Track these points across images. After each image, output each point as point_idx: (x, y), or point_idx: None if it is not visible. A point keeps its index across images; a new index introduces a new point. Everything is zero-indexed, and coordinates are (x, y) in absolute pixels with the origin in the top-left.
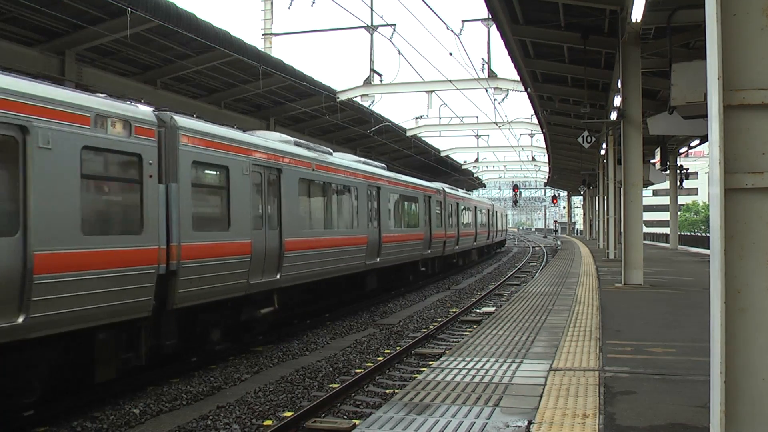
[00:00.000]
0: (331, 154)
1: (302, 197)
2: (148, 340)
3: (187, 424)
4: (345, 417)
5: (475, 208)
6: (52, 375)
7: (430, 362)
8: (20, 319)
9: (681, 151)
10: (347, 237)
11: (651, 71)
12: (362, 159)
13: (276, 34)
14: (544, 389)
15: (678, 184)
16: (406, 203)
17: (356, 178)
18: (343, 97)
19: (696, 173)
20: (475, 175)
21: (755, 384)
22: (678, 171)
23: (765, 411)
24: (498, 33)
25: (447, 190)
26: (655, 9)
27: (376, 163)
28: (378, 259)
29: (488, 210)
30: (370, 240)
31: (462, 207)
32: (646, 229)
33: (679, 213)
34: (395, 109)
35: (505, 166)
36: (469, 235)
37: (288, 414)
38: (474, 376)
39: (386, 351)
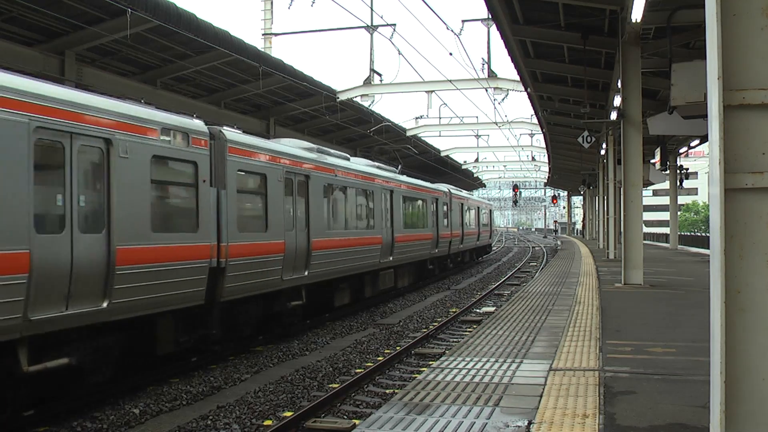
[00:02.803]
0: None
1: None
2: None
3: (187, 424)
4: (345, 417)
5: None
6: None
7: (430, 362)
8: (104, 304)
9: (681, 151)
10: None
11: (651, 71)
12: None
13: (276, 34)
14: (544, 389)
15: (678, 184)
16: None
17: None
18: (343, 97)
19: (696, 173)
20: (475, 175)
21: (755, 384)
22: (678, 171)
23: (765, 411)
24: (498, 33)
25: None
26: (655, 9)
27: None
28: None
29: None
30: None
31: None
32: (646, 229)
33: (679, 213)
34: (395, 109)
35: (505, 166)
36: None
37: (288, 414)
38: (474, 376)
39: (386, 351)
